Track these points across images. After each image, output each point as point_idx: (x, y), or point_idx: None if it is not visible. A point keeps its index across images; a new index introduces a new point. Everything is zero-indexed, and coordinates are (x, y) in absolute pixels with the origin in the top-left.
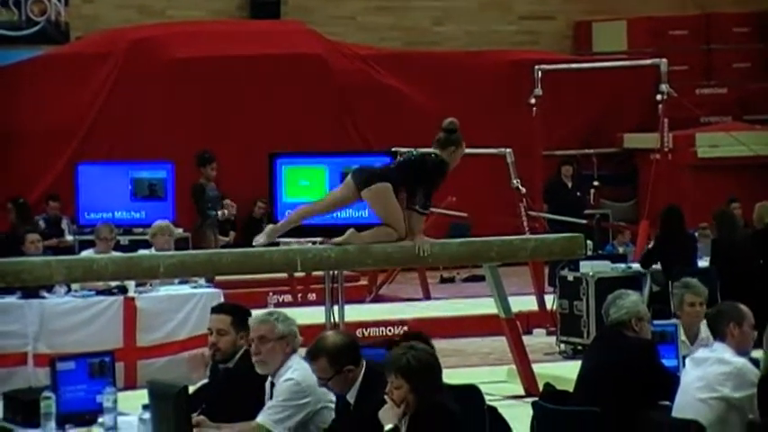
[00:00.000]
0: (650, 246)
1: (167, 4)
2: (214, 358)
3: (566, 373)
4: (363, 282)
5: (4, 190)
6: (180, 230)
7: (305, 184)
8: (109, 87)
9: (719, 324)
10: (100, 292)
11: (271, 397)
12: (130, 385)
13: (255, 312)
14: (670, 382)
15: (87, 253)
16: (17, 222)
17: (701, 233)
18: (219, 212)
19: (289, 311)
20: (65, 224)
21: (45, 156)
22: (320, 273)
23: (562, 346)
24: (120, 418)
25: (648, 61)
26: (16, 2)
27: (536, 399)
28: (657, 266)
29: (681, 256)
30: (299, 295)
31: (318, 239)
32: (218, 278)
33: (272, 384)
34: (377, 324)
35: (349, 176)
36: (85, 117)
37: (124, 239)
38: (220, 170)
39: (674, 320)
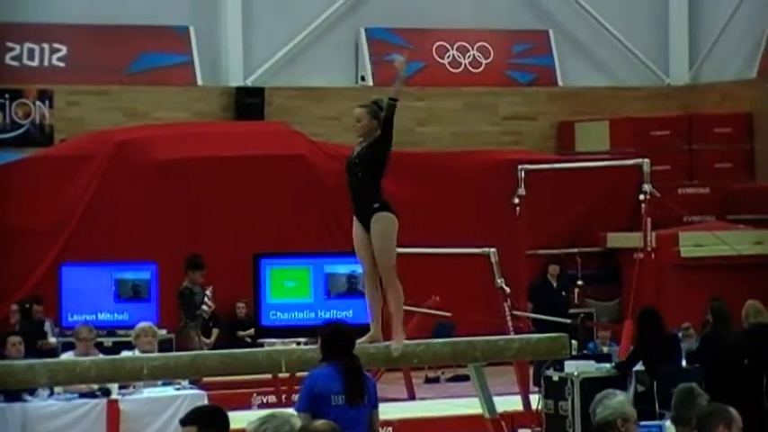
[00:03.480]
0: (630, 351)
1: (152, 106)
2: None
3: None
4: None
5: None
6: (164, 332)
7: (290, 285)
8: (93, 189)
9: (709, 425)
10: (83, 395)
11: None
12: None
13: (240, 416)
14: None
15: (67, 355)
16: (21, 325)
17: (684, 333)
18: (206, 308)
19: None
20: (48, 326)
21: (29, 258)
22: (305, 373)
23: None
24: None
25: (631, 161)
26: (1, 105)
27: None
28: (641, 367)
29: (664, 356)
30: (284, 396)
31: (303, 340)
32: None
33: None
34: None
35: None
36: (70, 219)
37: (108, 341)
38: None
39: (658, 422)
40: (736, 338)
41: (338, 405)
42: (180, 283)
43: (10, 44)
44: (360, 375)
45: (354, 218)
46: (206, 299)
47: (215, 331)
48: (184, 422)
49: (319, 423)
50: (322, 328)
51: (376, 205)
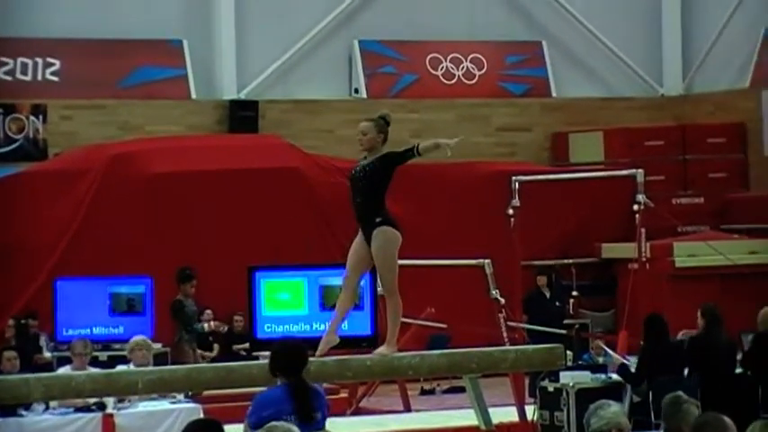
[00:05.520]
0: (638, 360)
1: (146, 119)
2: None
3: None
4: (344, 394)
5: None
6: (158, 345)
7: (284, 298)
8: (88, 203)
9: None
10: (78, 409)
11: None
12: None
13: (236, 429)
14: None
15: (64, 369)
16: (15, 342)
17: (679, 343)
18: (206, 324)
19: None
20: (43, 341)
21: (24, 272)
22: None
23: None
24: None
25: (625, 172)
26: None
27: None
28: None
29: (665, 365)
30: None
31: None
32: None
33: None
34: None
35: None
36: (64, 233)
37: (103, 355)
38: (199, 284)
39: None
40: (725, 342)
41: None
42: (174, 297)
43: (3, 59)
44: (308, 395)
45: (359, 230)
46: (211, 323)
47: (216, 346)
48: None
49: None
50: (273, 346)
51: (378, 219)
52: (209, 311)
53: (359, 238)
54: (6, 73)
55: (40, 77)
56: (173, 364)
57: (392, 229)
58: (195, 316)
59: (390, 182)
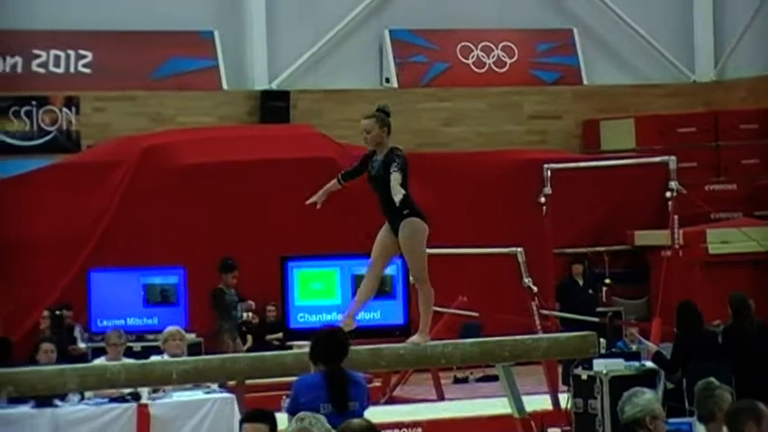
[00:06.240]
0: (672, 349)
1: (178, 111)
2: None
3: None
4: (377, 383)
5: (18, 298)
6: (192, 336)
7: (317, 287)
8: (121, 194)
9: (738, 422)
10: (113, 400)
11: None
12: None
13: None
14: None
15: (99, 360)
16: (50, 333)
17: (714, 330)
18: (244, 313)
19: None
20: (77, 332)
21: (57, 264)
22: None
23: None
24: None
25: (657, 159)
26: (28, 112)
27: None
28: None
29: (700, 352)
30: None
31: None
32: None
33: None
34: (391, 426)
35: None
36: (98, 224)
37: (137, 346)
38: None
39: (688, 419)
40: (759, 328)
41: (327, 413)
42: (211, 287)
43: (36, 51)
44: (345, 384)
45: (386, 222)
46: (248, 314)
47: (249, 337)
48: (252, 419)
49: (356, 421)
50: (315, 334)
51: (405, 211)
52: (250, 302)
53: (385, 228)
54: (39, 65)
55: (72, 69)
56: (209, 354)
57: (419, 219)
58: (235, 306)
59: (409, 174)
